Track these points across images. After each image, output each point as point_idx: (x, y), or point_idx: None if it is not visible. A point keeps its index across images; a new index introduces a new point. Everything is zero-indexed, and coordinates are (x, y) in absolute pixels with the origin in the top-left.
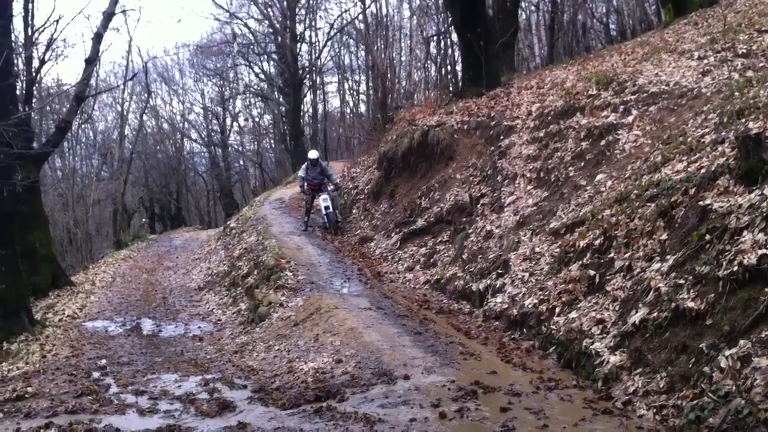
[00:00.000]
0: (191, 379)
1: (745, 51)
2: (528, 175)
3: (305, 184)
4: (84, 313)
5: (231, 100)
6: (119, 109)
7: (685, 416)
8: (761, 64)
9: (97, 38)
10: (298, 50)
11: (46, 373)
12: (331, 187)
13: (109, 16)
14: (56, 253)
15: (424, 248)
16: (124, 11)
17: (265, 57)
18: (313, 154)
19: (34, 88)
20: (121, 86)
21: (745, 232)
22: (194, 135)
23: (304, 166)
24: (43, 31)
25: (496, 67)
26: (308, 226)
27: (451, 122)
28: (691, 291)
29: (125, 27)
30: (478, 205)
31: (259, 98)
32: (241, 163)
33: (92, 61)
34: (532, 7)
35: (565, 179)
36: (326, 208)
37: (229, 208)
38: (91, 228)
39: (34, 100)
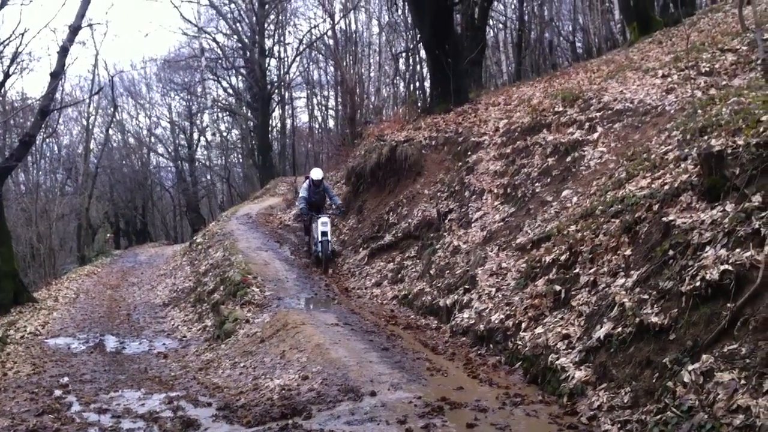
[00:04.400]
0: (155, 396)
1: (708, 69)
2: (495, 190)
3: (306, 205)
4: (46, 329)
5: (198, 115)
6: (84, 123)
7: (649, 431)
8: (724, 83)
9: (63, 52)
10: (266, 65)
11: (6, 391)
12: (331, 210)
13: (75, 29)
14: (18, 269)
15: (391, 264)
16: (90, 25)
17: (234, 72)
18: (317, 173)
19: None
20: (87, 100)
21: (707, 248)
22: (161, 149)
23: (305, 186)
24: (8, 44)
25: (464, 83)
26: (313, 246)
27: (419, 138)
28: (655, 306)
29: (92, 41)
30: (446, 221)
31: (227, 113)
32: (209, 178)
33: (57, 74)
34: (500, 25)
35: (531, 195)
36: (323, 234)
37: (195, 224)
38: (54, 243)
39: None
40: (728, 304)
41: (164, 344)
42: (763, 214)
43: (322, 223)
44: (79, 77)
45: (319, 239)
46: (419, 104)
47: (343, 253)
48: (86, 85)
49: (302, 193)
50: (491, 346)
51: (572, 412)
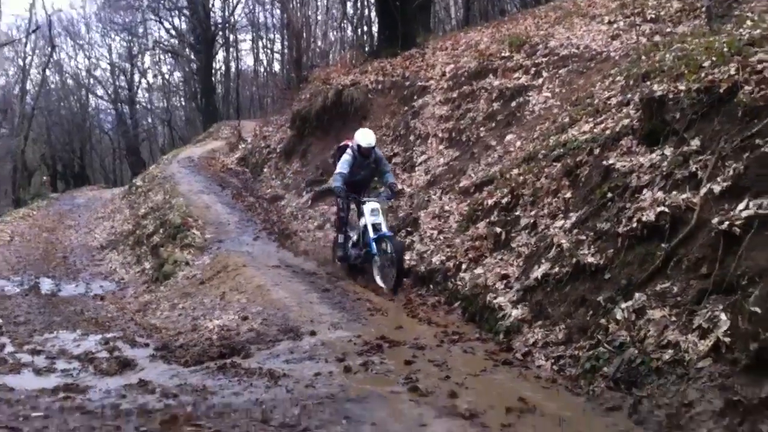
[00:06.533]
0: (91, 338)
1: (653, 16)
2: (440, 135)
3: (342, 184)
4: None
5: (140, 56)
6: (21, 63)
7: (581, 366)
8: (668, 29)
9: None
10: (210, 6)
11: None
12: (383, 192)
13: None
14: None
15: (335, 207)
16: None
17: (176, 12)
18: (367, 137)
19: None
20: (23, 39)
21: (645, 191)
22: (100, 92)
23: (348, 157)
24: None
25: (412, 28)
26: (350, 249)
27: (365, 82)
28: (592, 247)
29: None
30: (390, 164)
31: (170, 54)
32: (150, 121)
33: None
34: None
35: (476, 139)
36: (376, 227)
37: (135, 167)
38: None
39: None
40: (663, 245)
41: (101, 287)
42: (700, 157)
43: (372, 211)
44: (15, 17)
45: (371, 235)
46: (366, 48)
47: (286, 197)
48: (23, 24)
49: (341, 167)
50: (431, 286)
51: (507, 349)
